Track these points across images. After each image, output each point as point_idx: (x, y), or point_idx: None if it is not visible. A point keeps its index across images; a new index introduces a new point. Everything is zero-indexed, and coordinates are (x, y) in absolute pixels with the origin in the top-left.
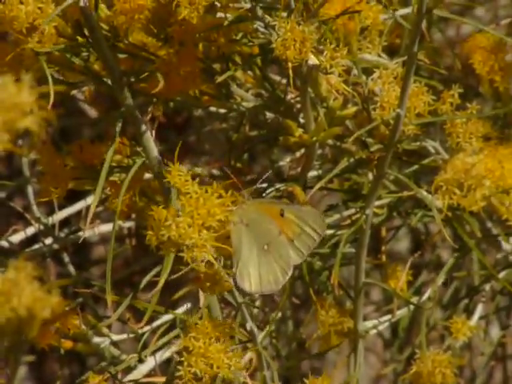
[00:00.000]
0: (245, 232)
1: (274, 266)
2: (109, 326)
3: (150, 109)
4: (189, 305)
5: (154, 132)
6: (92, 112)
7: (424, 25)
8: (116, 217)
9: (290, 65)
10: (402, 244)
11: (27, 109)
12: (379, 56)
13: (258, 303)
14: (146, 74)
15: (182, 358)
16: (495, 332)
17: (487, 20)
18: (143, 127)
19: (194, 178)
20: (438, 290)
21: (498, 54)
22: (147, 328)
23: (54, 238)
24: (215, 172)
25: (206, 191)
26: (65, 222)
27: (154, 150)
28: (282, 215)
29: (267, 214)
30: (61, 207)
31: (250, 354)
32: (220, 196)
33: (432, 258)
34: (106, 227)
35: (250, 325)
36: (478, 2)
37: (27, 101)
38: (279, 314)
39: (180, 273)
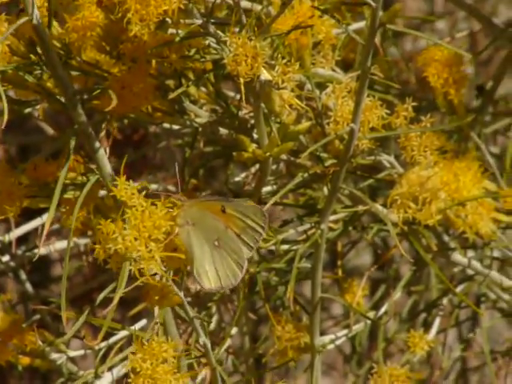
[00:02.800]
0: (192, 232)
1: (229, 260)
2: (68, 343)
3: (103, 125)
4: (144, 321)
5: (107, 149)
6: (50, 129)
7: (378, 39)
8: (70, 234)
9: (241, 80)
10: (364, 258)
11: None
12: (333, 70)
13: (215, 318)
14: (99, 91)
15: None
16: (455, 346)
17: (446, 33)
18: (97, 144)
19: (141, 192)
20: (398, 304)
21: (452, 66)
22: (104, 344)
23: (11, 256)
24: (171, 188)
25: (152, 204)
26: (24, 240)
27: (108, 166)
28: (223, 211)
29: (209, 211)
30: (18, 224)
31: (205, 370)
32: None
33: (391, 273)
34: (64, 244)
35: (203, 339)
36: (438, 15)
37: None
38: (235, 330)
39: (130, 287)
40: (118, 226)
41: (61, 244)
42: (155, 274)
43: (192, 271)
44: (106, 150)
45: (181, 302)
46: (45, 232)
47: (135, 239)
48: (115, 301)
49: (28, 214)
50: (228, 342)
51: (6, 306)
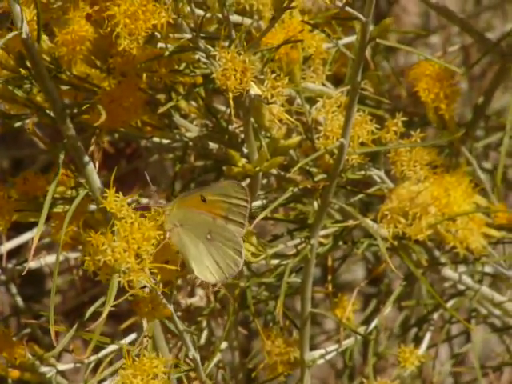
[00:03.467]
0: (182, 232)
1: (225, 249)
2: (59, 356)
3: (93, 140)
4: (134, 335)
5: (97, 163)
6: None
7: (369, 53)
8: (59, 248)
9: (231, 95)
10: (356, 273)
11: None
12: (323, 85)
13: (205, 333)
14: (88, 105)
15: None
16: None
17: (440, 47)
18: (86, 158)
19: (130, 204)
20: (389, 318)
21: (443, 81)
22: (93, 358)
23: (1, 269)
24: (163, 201)
25: (142, 216)
26: (15, 253)
27: (97, 181)
28: (204, 201)
29: (191, 207)
30: (9, 237)
31: None
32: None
33: (382, 288)
34: (54, 258)
35: (192, 353)
36: (432, 30)
37: None
38: (225, 344)
39: (119, 300)
40: (108, 237)
41: (52, 258)
42: (145, 286)
43: (191, 270)
44: (95, 165)
45: (170, 315)
46: (33, 246)
47: (124, 251)
48: (104, 314)
49: (19, 228)
50: (218, 356)
51: None
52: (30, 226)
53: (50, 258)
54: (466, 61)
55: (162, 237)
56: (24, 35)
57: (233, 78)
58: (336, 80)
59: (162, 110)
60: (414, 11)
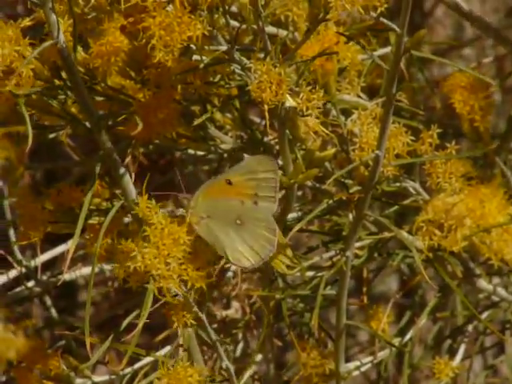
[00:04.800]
0: (211, 224)
1: (258, 231)
2: (94, 368)
3: (129, 151)
4: (169, 347)
5: (133, 174)
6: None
7: (404, 64)
8: (94, 260)
9: (266, 107)
10: (390, 285)
11: None
12: (358, 97)
13: (240, 345)
14: (124, 116)
15: None
16: (481, 373)
17: (474, 59)
18: (122, 170)
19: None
20: (423, 330)
21: (478, 93)
22: (129, 370)
23: (36, 281)
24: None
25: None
26: (50, 265)
27: (133, 192)
28: (230, 184)
29: (217, 194)
30: (44, 249)
31: None
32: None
33: (416, 299)
34: (89, 270)
35: (225, 363)
36: (465, 41)
37: None
38: (260, 356)
39: (152, 308)
40: (138, 244)
41: (86, 270)
42: (177, 294)
43: (227, 259)
44: (131, 176)
45: (202, 324)
46: (68, 258)
47: (155, 257)
48: (140, 325)
49: (54, 240)
50: (253, 368)
51: (31, 331)
52: (65, 238)
53: (84, 270)
54: (499, 72)
55: (193, 242)
56: (60, 45)
57: (268, 90)
58: (371, 91)
59: (197, 121)
60: (448, 23)
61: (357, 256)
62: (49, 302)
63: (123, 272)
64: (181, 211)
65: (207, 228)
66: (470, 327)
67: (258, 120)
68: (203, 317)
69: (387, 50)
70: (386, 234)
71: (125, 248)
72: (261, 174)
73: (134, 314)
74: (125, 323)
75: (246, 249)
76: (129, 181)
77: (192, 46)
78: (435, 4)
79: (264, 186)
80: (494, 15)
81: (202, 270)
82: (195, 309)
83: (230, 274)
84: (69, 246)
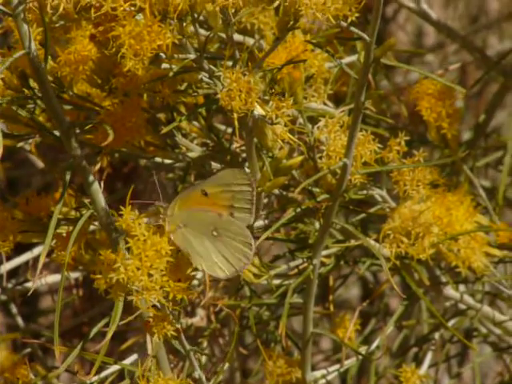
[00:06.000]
0: (187, 232)
1: (234, 243)
2: (58, 377)
3: (98, 159)
4: (135, 356)
5: (102, 183)
6: (40, 162)
7: (370, 72)
8: (63, 269)
9: (235, 115)
10: (353, 292)
11: None
12: (325, 104)
13: (206, 352)
14: (91, 125)
15: None
16: (446, 381)
17: (437, 65)
18: (91, 179)
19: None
20: (388, 338)
21: (445, 100)
22: (95, 378)
23: (1, 289)
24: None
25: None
26: (12, 272)
27: (102, 201)
28: (205, 195)
29: (194, 205)
30: (8, 257)
31: None
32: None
33: (381, 307)
34: (54, 278)
35: (198, 373)
36: (428, 48)
37: None
38: (227, 365)
39: (125, 321)
40: (120, 255)
41: (50, 278)
42: (154, 305)
43: (201, 269)
44: (100, 184)
45: (180, 333)
46: (39, 267)
47: (137, 269)
48: (109, 335)
49: (17, 248)
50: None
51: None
52: (29, 246)
53: (48, 278)
54: (463, 79)
55: (174, 253)
56: (32, 54)
57: (237, 98)
58: (336, 99)
59: (165, 130)
60: (409, 29)
61: (323, 264)
62: (14, 310)
63: (104, 283)
64: (152, 220)
65: (183, 237)
66: (436, 335)
67: (223, 128)
68: (179, 327)
69: (354, 58)
70: (353, 242)
71: (106, 259)
72: (236, 186)
73: (102, 323)
74: (93, 332)
75: (222, 260)
76: (98, 189)
77: (162, 54)
78: (397, 10)
79: (239, 197)
80: (457, 21)
81: (183, 281)
82: (173, 319)
83: (195, 282)
84: (34, 254)
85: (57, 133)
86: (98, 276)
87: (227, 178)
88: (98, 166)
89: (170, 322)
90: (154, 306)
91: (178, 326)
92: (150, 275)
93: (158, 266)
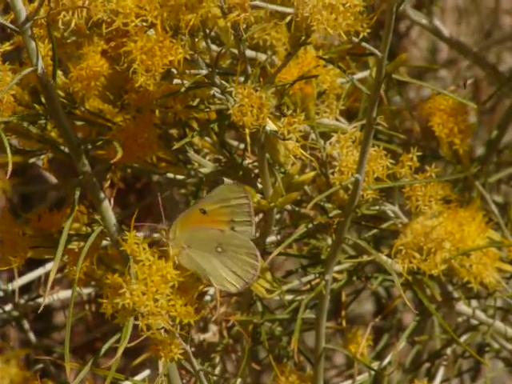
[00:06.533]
0: (191, 252)
1: (239, 256)
2: None
3: (108, 176)
4: (147, 371)
5: (112, 200)
6: (54, 178)
7: (382, 88)
8: (74, 285)
9: (247, 131)
10: (366, 307)
11: None
12: (337, 120)
13: (218, 368)
14: (102, 141)
15: None
16: None
17: (450, 81)
18: (101, 195)
19: (151, 245)
20: (401, 353)
21: (457, 116)
22: None
23: (13, 305)
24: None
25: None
26: (25, 288)
27: (112, 218)
28: (204, 213)
29: (194, 224)
30: (21, 273)
31: None
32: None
33: (394, 322)
34: (66, 293)
35: None
36: (441, 63)
37: None
38: (239, 380)
39: (139, 340)
40: (126, 280)
41: (63, 293)
42: (162, 327)
43: (212, 285)
44: (110, 201)
45: (188, 356)
46: (49, 283)
47: (143, 294)
48: (119, 353)
49: (30, 264)
50: None
51: (10, 355)
52: (41, 261)
53: (60, 294)
54: (476, 95)
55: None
56: (39, 71)
57: (249, 114)
58: (349, 115)
59: (177, 145)
60: (422, 45)
61: (335, 280)
62: (26, 325)
63: (111, 308)
64: (157, 237)
65: (188, 258)
66: (448, 350)
67: (235, 143)
68: (188, 349)
69: (366, 73)
70: (365, 258)
71: (112, 283)
72: (233, 200)
73: (113, 339)
74: (104, 348)
75: (230, 274)
76: (108, 206)
77: (173, 70)
78: (410, 26)
79: (238, 211)
80: (470, 37)
81: (189, 305)
82: (181, 341)
83: (207, 297)
84: (46, 270)
85: (67, 150)
86: (105, 301)
87: (224, 193)
88: (107, 183)
89: (176, 346)
90: (161, 329)
91: (187, 347)
92: (155, 300)
93: (164, 291)
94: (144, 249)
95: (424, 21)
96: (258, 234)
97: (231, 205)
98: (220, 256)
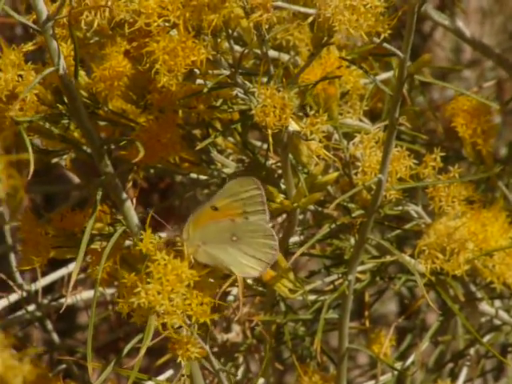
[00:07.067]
0: (207, 248)
1: (256, 240)
2: None
3: (130, 176)
4: (171, 371)
5: (134, 200)
6: (77, 178)
7: (405, 88)
8: (96, 285)
9: (270, 131)
10: (389, 307)
11: None
12: (360, 120)
13: (242, 368)
14: (125, 142)
15: None
16: None
17: (474, 81)
18: (123, 196)
19: (168, 245)
20: (424, 353)
21: (480, 116)
22: None
23: (36, 305)
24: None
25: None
26: (48, 288)
27: (135, 218)
28: (216, 209)
29: (205, 221)
30: (44, 273)
31: None
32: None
33: (417, 322)
34: (90, 294)
35: None
36: (466, 63)
37: None
38: (262, 380)
39: (159, 338)
40: (141, 279)
41: (86, 293)
42: (180, 326)
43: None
44: (132, 201)
45: (206, 354)
46: (71, 283)
47: (158, 293)
48: (141, 353)
49: (53, 264)
50: None
51: (32, 356)
52: (64, 261)
53: (84, 294)
54: (499, 95)
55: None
56: (61, 71)
57: (272, 114)
58: (372, 115)
59: (200, 146)
60: (446, 45)
61: (358, 280)
62: (50, 326)
63: (127, 307)
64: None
65: (206, 254)
66: (471, 350)
67: (259, 144)
68: (207, 349)
69: (389, 74)
70: (388, 258)
71: (128, 282)
72: (244, 193)
73: (136, 339)
74: (127, 349)
75: (250, 259)
76: (130, 207)
77: (196, 70)
78: (434, 26)
79: (250, 202)
80: (494, 37)
81: (206, 304)
82: (199, 341)
83: (230, 297)
84: (69, 270)
85: (89, 150)
86: (121, 300)
87: (234, 188)
88: (130, 184)
89: (194, 345)
90: (179, 328)
91: (206, 346)
92: (171, 299)
93: (179, 290)
94: (159, 248)
95: (447, 22)
96: (281, 235)
97: (242, 198)
98: (236, 244)
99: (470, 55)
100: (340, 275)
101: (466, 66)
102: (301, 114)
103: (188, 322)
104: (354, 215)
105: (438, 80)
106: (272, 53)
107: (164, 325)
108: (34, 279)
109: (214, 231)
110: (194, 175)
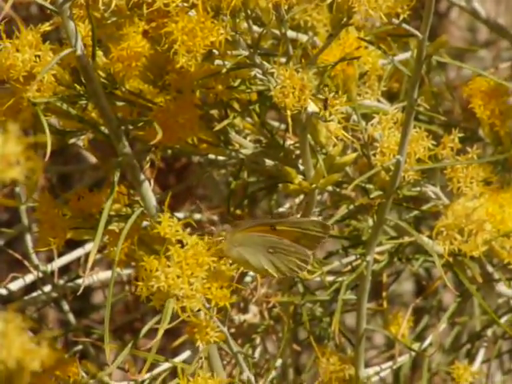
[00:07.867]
0: (242, 250)
1: (289, 258)
2: (111, 374)
3: (148, 157)
4: (188, 352)
5: (152, 180)
6: (93, 158)
7: (423, 69)
8: (114, 266)
9: (288, 112)
10: (406, 287)
11: (13, 160)
12: (378, 101)
13: (259, 349)
14: (143, 122)
15: None
16: (498, 377)
17: (490, 61)
18: (141, 177)
19: (186, 227)
20: (440, 334)
21: (498, 97)
22: (147, 376)
23: (52, 286)
24: (215, 218)
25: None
26: (64, 269)
27: (153, 199)
28: (274, 229)
29: (256, 232)
30: (60, 254)
31: None
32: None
33: (434, 303)
34: (106, 274)
35: (246, 374)
36: (480, 44)
37: (13, 151)
38: (280, 361)
39: (178, 321)
40: (161, 263)
41: (103, 274)
42: (199, 310)
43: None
44: (150, 182)
45: (224, 338)
46: (89, 264)
47: (178, 277)
48: (159, 335)
49: (69, 244)
50: (272, 374)
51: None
52: (81, 242)
53: (100, 275)
54: None
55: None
56: (78, 52)
57: (291, 95)
58: (390, 96)
59: (218, 127)
60: (462, 24)
61: (376, 261)
62: (66, 306)
63: (146, 290)
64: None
65: (238, 254)
66: (488, 332)
67: (276, 124)
68: (225, 331)
69: (407, 54)
70: (406, 239)
71: (148, 265)
72: (311, 231)
73: (153, 321)
74: (144, 330)
75: (272, 268)
76: (148, 187)
77: (214, 51)
78: (450, 6)
79: (308, 237)
80: (510, 17)
81: (225, 288)
82: (218, 324)
83: (248, 278)
84: (85, 251)
85: (107, 130)
86: (140, 283)
87: (305, 224)
88: (147, 165)
89: (213, 329)
90: (198, 311)
91: (225, 329)
92: (190, 283)
93: (199, 274)
94: (178, 231)
95: (463, 2)
96: (298, 216)
97: (304, 232)
98: (269, 255)
99: (487, 34)
100: (358, 256)
101: (482, 46)
102: (320, 95)
103: (207, 305)
104: (372, 196)
105: (453, 59)
106: (290, 33)
107: (183, 308)
108: (50, 260)
109: (257, 241)
110: (211, 156)
